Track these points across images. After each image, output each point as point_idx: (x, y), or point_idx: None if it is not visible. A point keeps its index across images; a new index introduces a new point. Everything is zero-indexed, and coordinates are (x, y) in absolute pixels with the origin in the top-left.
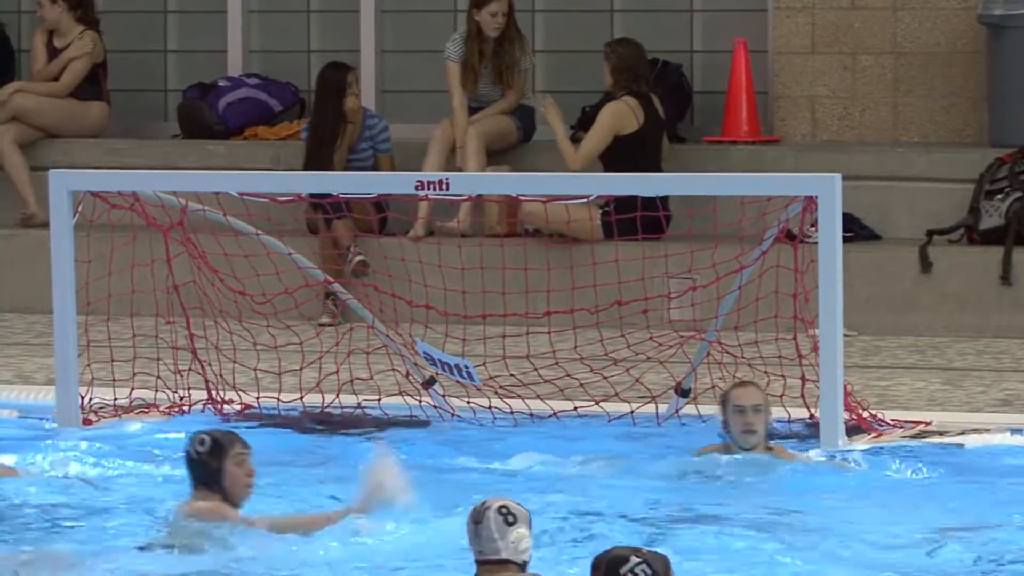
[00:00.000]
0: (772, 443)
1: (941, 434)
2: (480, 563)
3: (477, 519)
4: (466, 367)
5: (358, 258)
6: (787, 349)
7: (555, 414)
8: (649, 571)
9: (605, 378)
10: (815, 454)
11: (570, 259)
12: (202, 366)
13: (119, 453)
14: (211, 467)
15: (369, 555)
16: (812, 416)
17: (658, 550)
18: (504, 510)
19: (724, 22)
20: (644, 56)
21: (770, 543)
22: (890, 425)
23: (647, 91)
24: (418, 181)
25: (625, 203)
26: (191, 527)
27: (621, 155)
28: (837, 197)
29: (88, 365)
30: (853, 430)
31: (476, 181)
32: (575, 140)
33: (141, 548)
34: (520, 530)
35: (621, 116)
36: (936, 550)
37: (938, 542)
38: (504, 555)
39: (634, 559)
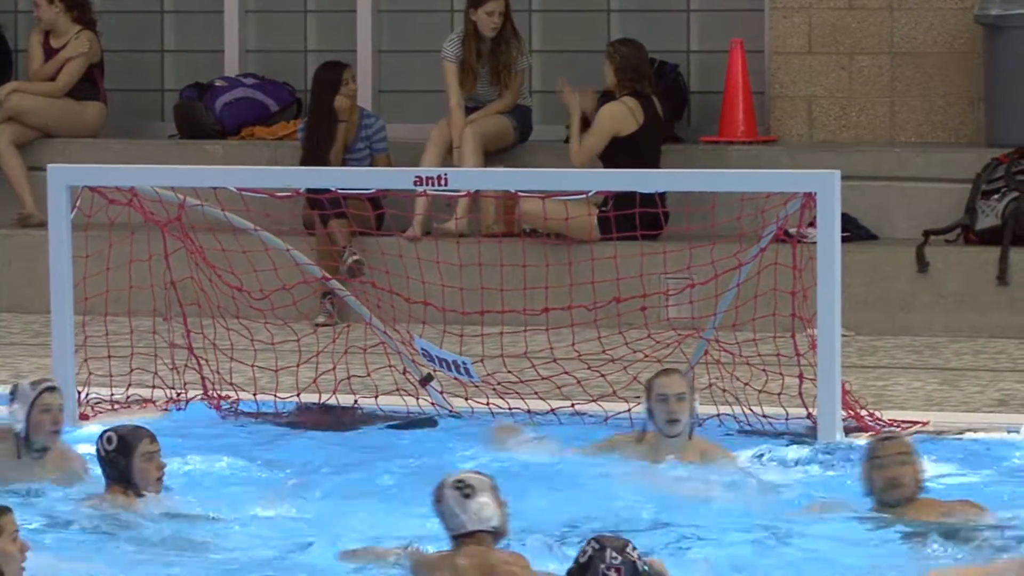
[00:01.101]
0: (702, 438)
1: (938, 434)
2: (453, 538)
3: (437, 498)
4: (464, 364)
5: (353, 258)
6: (785, 348)
7: (552, 411)
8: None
9: (603, 376)
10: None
11: (568, 257)
12: (199, 363)
13: None
14: (119, 464)
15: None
16: (810, 415)
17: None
18: (460, 484)
19: (721, 22)
20: (646, 56)
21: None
22: (887, 425)
23: (651, 91)
24: (416, 176)
25: (623, 201)
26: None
27: (620, 155)
28: (836, 193)
29: (85, 361)
30: (851, 429)
31: (474, 176)
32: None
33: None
34: (480, 499)
35: (619, 117)
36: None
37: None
38: (470, 527)
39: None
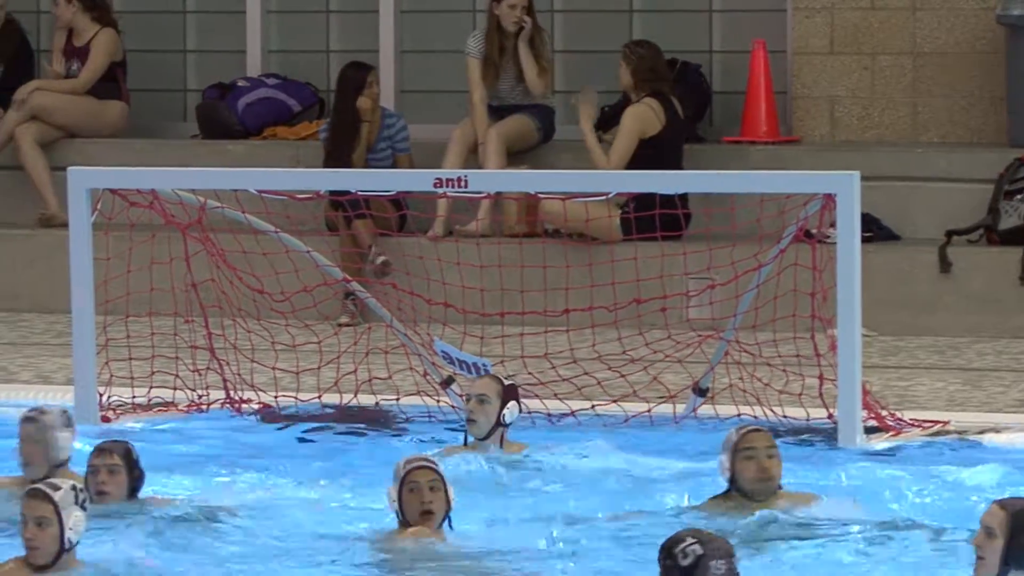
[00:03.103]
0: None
1: (960, 433)
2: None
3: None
4: (484, 366)
5: (381, 258)
6: (805, 348)
7: (572, 413)
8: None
9: (623, 376)
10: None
11: (589, 258)
12: (220, 365)
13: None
14: None
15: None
16: (830, 416)
17: None
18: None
19: (743, 22)
20: (663, 57)
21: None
22: (908, 424)
23: (669, 92)
24: (436, 178)
25: (644, 202)
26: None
27: (644, 157)
28: (856, 195)
29: (107, 363)
30: (872, 429)
31: (494, 178)
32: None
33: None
34: None
35: (644, 119)
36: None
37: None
38: None
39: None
